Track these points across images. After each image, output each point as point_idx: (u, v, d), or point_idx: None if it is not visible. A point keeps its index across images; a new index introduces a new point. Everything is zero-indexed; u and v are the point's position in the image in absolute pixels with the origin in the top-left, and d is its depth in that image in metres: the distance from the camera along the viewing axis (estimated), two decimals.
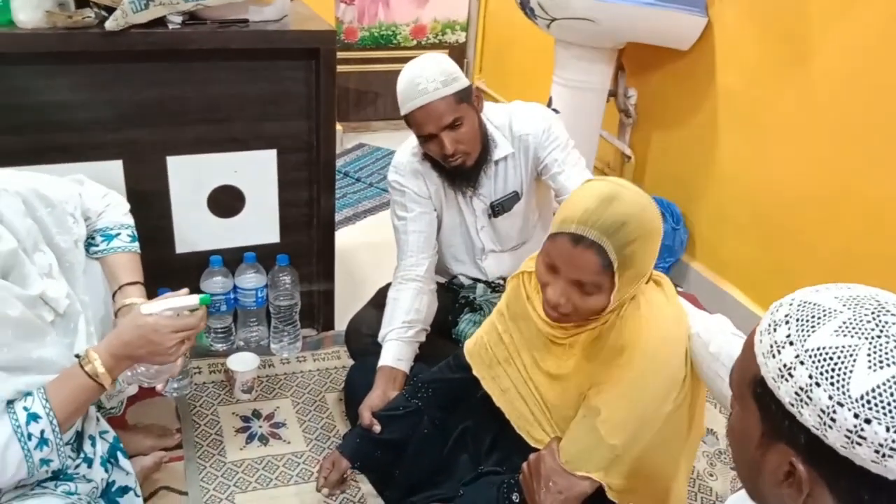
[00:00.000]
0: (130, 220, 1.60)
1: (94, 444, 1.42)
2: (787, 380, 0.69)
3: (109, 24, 1.68)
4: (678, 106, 2.69)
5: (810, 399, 0.67)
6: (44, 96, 1.76)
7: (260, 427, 1.90)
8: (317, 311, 2.28)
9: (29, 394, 1.23)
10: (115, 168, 1.88)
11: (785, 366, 0.69)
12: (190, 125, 1.92)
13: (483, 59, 4.32)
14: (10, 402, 1.21)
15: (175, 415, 1.92)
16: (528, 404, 1.41)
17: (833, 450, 0.66)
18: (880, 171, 1.93)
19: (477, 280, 1.99)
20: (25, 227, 1.33)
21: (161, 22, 1.75)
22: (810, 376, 0.67)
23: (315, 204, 2.13)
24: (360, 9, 3.93)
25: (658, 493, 1.34)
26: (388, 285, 1.91)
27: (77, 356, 1.31)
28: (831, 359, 0.66)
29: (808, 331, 0.69)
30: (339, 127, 3.81)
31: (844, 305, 0.69)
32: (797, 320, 0.71)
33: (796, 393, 0.68)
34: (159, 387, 1.89)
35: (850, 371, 0.65)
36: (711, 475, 1.85)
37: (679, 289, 2.65)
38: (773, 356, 0.71)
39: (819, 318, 0.69)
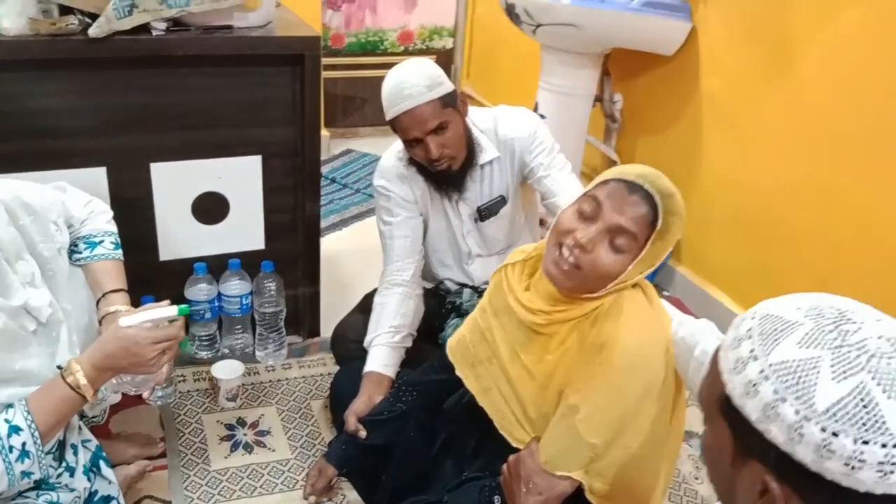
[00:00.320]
0: (114, 228, 1.59)
1: (76, 454, 1.40)
2: (752, 397, 0.68)
3: (93, 31, 1.67)
4: (664, 111, 2.70)
5: (777, 415, 0.66)
6: (27, 103, 1.75)
7: (244, 435, 1.89)
8: (302, 317, 2.27)
9: (10, 405, 1.22)
10: (98, 175, 1.87)
11: (750, 382, 0.69)
12: (174, 132, 1.91)
13: (470, 64, 4.33)
14: None
15: (159, 423, 1.90)
16: (508, 404, 1.40)
17: (804, 465, 0.65)
18: (864, 174, 1.95)
19: (463, 285, 1.99)
20: (8, 235, 1.32)
21: (145, 28, 1.75)
22: (776, 391, 0.66)
23: (300, 210, 2.12)
24: (346, 15, 3.93)
25: (638, 499, 1.33)
26: (375, 291, 1.91)
27: (59, 367, 1.30)
28: (795, 372, 0.66)
29: (770, 344, 0.69)
30: (326, 133, 3.81)
31: (806, 316, 0.69)
32: (760, 334, 0.70)
33: (763, 409, 0.67)
34: (146, 394, 1.88)
35: (815, 384, 0.65)
36: (697, 478, 1.85)
37: (665, 293, 2.67)
38: (738, 373, 0.70)
39: (781, 330, 0.69)
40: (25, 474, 1.23)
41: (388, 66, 1.83)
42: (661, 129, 2.74)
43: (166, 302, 1.40)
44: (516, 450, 1.36)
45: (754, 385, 0.68)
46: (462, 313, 1.93)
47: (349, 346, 1.94)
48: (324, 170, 3.43)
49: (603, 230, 1.20)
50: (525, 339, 1.36)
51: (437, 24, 4.15)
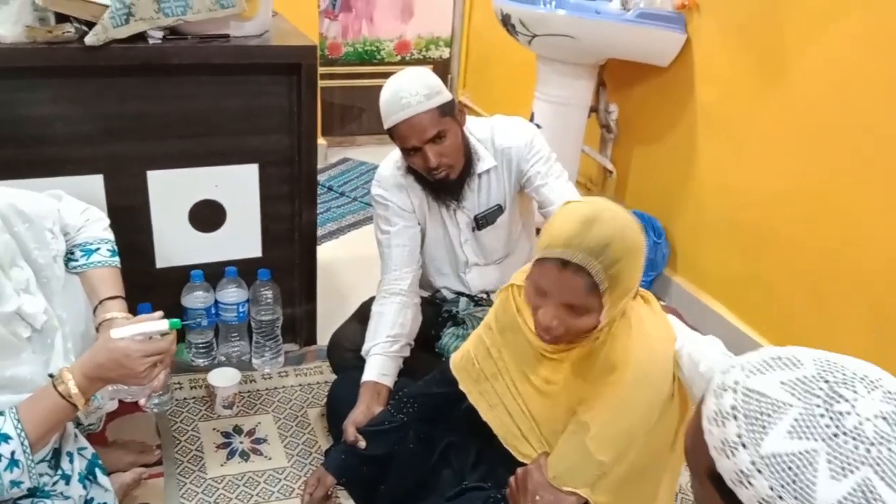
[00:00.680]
0: (110, 235, 1.59)
1: (71, 461, 1.40)
2: (746, 487, 0.64)
3: (90, 39, 1.68)
4: (659, 121, 2.72)
5: None
6: (23, 111, 1.75)
7: (241, 443, 1.89)
8: (299, 325, 2.27)
9: (0, 413, 1.22)
10: (95, 182, 1.87)
11: (742, 472, 0.65)
12: (171, 140, 1.92)
13: (467, 74, 4.34)
14: None
15: (155, 431, 1.90)
16: (515, 420, 1.41)
17: None
18: (858, 183, 1.96)
19: (460, 294, 1.99)
20: (3, 242, 1.32)
21: (142, 37, 1.75)
22: (771, 487, 0.62)
23: (297, 218, 2.12)
24: (343, 24, 3.95)
25: None
26: (372, 299, 1.91)
27: (51, 376, 1.29)
28: (790, 468, 0.62)
29: (759, 432, 0.64)
30: (323, 141, 3.82)
31: (793, 395, 0.64)
32: (745, 416, 0.66)
33: (759, 502, 0.64)
34: (142, 401, 1.88)
35: (813, 483, 0.61)
36: None
37: (661, 303, 2.67)
38: (727, 456, 0.66)
39: (769, 414, 0.64)
40: (15, 483, 1.22)
41: (385, 75, 1.84)
42: (656, 138, 2.75)
43: (159, 314, 1.40)
44: (518, 460, 1.37)
45: (747, 477, 0.64)
46: (458, 322, 1.93)
47: (346, 354, 1.93)
48: (321, 178, 3.43)
49: (558, 306, 1.23)
50: (534, 360, 1.38)
51: (433, 34, 4.17)
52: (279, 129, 2.01)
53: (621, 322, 1.29)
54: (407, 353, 1.81)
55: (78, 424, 1.52)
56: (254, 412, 2.00)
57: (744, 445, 0.65)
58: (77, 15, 1.69)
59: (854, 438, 0.61)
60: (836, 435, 0.61)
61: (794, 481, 0.61)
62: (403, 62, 4.11)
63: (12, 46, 1.66)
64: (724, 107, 2.41)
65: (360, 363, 1.77)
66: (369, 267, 2.10)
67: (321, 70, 1.97)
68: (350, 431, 1.61)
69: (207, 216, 2.04)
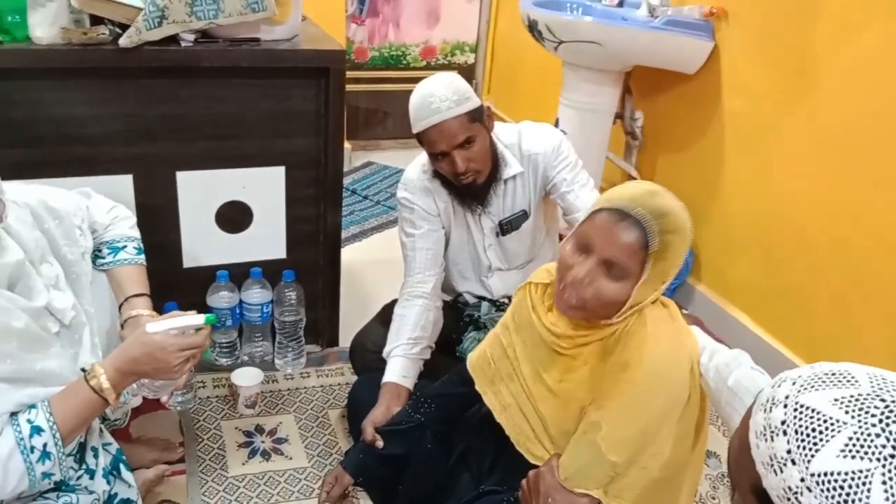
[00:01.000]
0: (137, 233, 1.61)
1: (96, 456, 1.42)
2: None
3: (123, 41, 1.71)
4: (684, 129, 2.70)
5: None
6: (57, 111, 1.78)
7: (262, 442, 1.90)
8: (321, 327, 2.29)
9: (33, 406, 1.24)
10: (125, 182, 1.90)
11: (790, 488, 0.63)
12: (200, 141, 1.95)
13: (491, 80, 4.35)
14: (13, 415, 1.22)
15: (178, 428, 1.92)
16: (528, 421, 1.40)
17: None
18: (886, 194, 1.93)
19: (482, 298, 2.00)
20: (33, 238, 1.35)
21: (174, 39, 1.78)
22: None
23: (322, 220, 2.14)
24: (370, 29, 3.97)
25: None
26: (394, 302, 1.91)
27: (83, 370, 1.32)
28: (842, 488, 0.60)
29: (810, 449, 0.62)
30: (348, 145, 3.84)
31: (847, 413, 0.62)
32: (796, 432, 0.64)
33: None
34: (164, 398, 1.90)
35: (866, 503, 0.59)
36: (714, 498, 1.84)
37: (684, 311, 2.66)
38: (775, 472, 0.64)
39: (821, 432, 0.62)
40: (46, 475, 1.25)
41: (411, 80, 1.85)
42: (682, 147, 2.74)
43: (193, 312, 1.42)
44: (534, 465, 1.36)
45: (795, 494, 0.62)
46: (480, 326, 1.94)
47: (367, 356, 1.95)
48: (345, 181, 3.45)
49: (596, 262, 1.21)
50: (547, 358, 1.37)
51: (459, 39, 4.18)
52: (306, 132, 2.03)
53: (637, 322, 1.28)
54: (428, 355, 1.82)
55: (104, 420, 1.54)
56: (275, 412, 2.02)
57: (793, 462, 0.63)
58: (111, 17, 1.72)
59: None
60: (893, 456, 0.59)
61: (845, 501, 0.59)
62: (429, 67, 4.13)
63: (49, 48, 1.69)
64: (751, 115, 2.39)
65: (382, 365, 1.79)
66: (392, 270, 2.12)
67: (347, 74, 1.98)
68: (368, 431, 1.62)
69: (234, 217, 2.06)
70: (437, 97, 1.67)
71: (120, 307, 1.52)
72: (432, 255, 1.89)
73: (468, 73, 4.26)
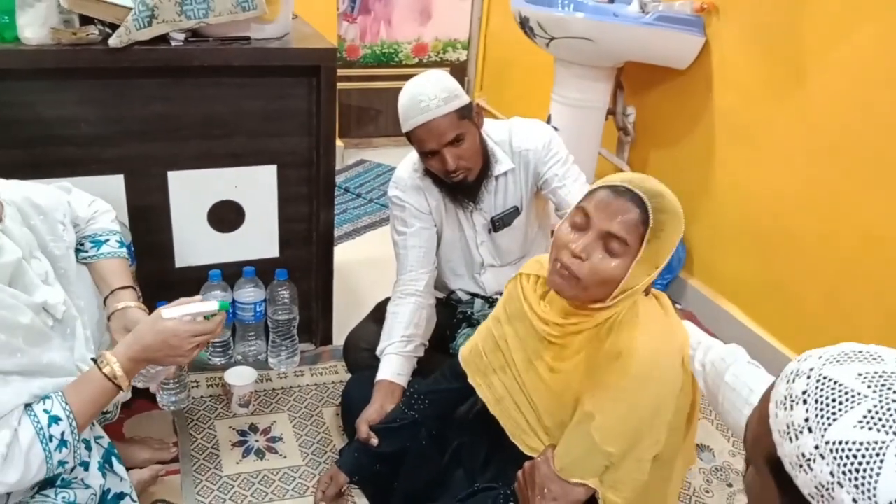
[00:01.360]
0: (118, 227, 1.61)
1: (89, 449, 1.42)
2: (806, 471, 0.63)
3: (113, 41, 1.70)
4: (676, 124, 2.71)
5: (832, 498, 0.61)
6: (48, 111, 1.78)
7: (256, 441, 1.91)
8: (315, 325, 2.29)
9: (47, 397, 1.25)
10: (116, 182, 1.90)
11: (803, 455, 0.63)
12: (191, 140, 1.94)
13: (484, 76, 4.35)
14: (27, 406, 1.24)
15: (172, 428, 1.92)
16: (522, 412, 1.41)
17: None
18: (877, 188, 1.94)
19: (475, 295, 2.00)
20: (23, 235, 1.35)
21: (164, 39, 1.78)
22: (832, 473, 0.61)
23: (314, 219, 2.14)
24: (362, 27, 3.97)
25: None
26: (387, 300, 1.92)
27: (94, 360, 1.34)
28: (855, 457, 0.60)
29: (828, 418, 0.63)
30: (340, 143, 3.84)
31: (869, 387, 0.62)
32: (816, 401, 0.64)
33: (816, 488, 0.63)
34: (153, 387, 1.90)
35: (877, 474, 0.59)
36: (707, 492, 1.84)
37: (677, 305, 2.66)
38: (791, 440, 0.65)
39: (841, 402, 0.63)
40: (62, 463, 1.26)
41: (403, 77, 1.85)
42: (674, 142, 2.74)
43: (199, 297, 1.43)
44: (529, 458, 1.37)
45: (808, 461, 0.63)
46: (473, 323, 1.94)
47: (361, 354, 1.95)
48: (337, 180, 3.45)
49: (595, 237, 1.22)
50: (539, 348, 1.37)
51: (451, 36, 4.18)
52: (298, 130, 2.03)
53: (629, 312, 1.28)
54: (421, 353, 1.82)
55: None
56: (269, 411, 2.02)
57: (809, 430, 0.64)
58: (101, 17, 1.71)
59: None
60: None
61: (857, 470, 0.60)
62: (421, 65, 4.13)
63: (38, 48, 1.69)
64: (742, 110, 2.40)
65: (376, 363, 1.79)
66: (385, 268, 2.12)
67: (339, 72, 1.98)
68: (363, 429, 1.62)
69: (226, 216, 2.06)
70: (425, 95, 1.67)
71: (105, 300, 1.53)
72: (424, 253, 1.89)
73: (460, 70, 4.26)
